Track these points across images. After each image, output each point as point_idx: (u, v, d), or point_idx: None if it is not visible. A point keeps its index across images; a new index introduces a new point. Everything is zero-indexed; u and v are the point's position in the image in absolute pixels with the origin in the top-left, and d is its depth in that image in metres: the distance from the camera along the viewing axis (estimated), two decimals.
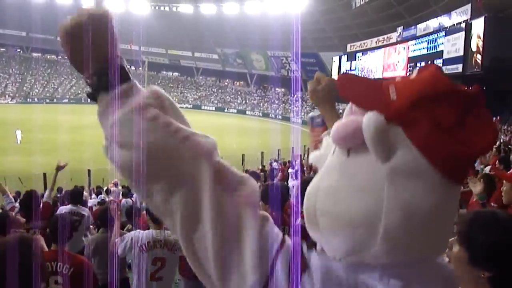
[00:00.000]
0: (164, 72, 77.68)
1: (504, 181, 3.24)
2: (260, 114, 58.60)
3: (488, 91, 27.59)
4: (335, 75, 47.52)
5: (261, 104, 62.30)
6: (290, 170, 11.69)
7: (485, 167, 7.67)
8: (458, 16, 28.35)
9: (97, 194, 13.31)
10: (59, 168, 6.32)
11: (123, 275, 4.72)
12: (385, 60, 38.30)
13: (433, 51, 30.66)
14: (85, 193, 12.11)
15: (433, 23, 31.88)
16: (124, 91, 0.74)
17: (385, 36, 39.19)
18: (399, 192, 0.64)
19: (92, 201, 11.35)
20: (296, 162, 12.13)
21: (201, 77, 74.71)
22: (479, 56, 25.33)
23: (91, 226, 6.49)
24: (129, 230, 5.40)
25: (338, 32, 47.32)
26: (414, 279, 0.67)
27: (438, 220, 0.67)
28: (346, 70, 44.53)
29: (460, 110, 0.66)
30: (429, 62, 32.27)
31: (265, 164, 18.32)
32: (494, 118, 18.12)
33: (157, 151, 0.71)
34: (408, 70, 33.80)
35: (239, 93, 68.23)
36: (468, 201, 4.77)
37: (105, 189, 13.57)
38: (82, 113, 43.11)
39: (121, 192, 11.51)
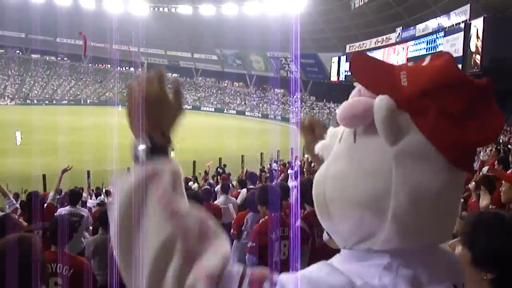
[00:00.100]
0: None
1: (503, 181, 3.24)
2: (260, 115, 58.55)
3: None
4: (334, 76, 47.60)
5: (261, 105, 62.29)
6: (289, 171, 11.68)
7: (483, 167, 7.68)
8: (457, 17, 28.37)
9: (97, 196, 13.31)
10: (64, 170, 6.57)
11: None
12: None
13: (432, 51, 30.60)
14: (84, 194, 12.14)
15: (432, 24, 31.90)
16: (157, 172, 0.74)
17: (384, 37, 39.21)
18: (407, 174, 0.65)
19: (92, 202, 11.36)
20: (296, 163, 12.13)
21: (200, 78, 74.71)
22: (478, 57, 25.35)
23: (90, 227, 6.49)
24: None
25: (337, 32, 47.32)
26: (422, 267, 0.68)
27: (445, 204, 0.68)
28: (345, 71, 44.60)
29: (469, 99, 0.66)
30: None
31: (265, 165, 18.33)
32: None
33: (158, 249, 0.68)
34: None
35: (238, 94, 68.23)
36: (468, 202, 4.78)
37: (104, 190, 13.58)
38: (81, 114, 43.23)
39: None
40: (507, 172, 5.08)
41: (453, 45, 27.86)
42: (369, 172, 0.68)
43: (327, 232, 0.79)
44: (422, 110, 0.65)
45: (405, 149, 0.65)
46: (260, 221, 4.20)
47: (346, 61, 44.69)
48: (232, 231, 5.24)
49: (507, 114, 24.88)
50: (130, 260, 0.70)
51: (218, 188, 9.35)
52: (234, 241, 5.25)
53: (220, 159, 18.78)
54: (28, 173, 15.71)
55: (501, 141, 15.31)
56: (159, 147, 0.76)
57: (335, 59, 47.34)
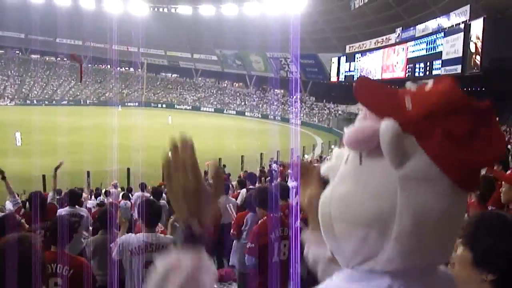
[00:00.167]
0: (163, 74, 77.65)
1: (503, 182, 3.24)
2: (259, 115, 58.52)
3: (487, 91, 27.59)
4: (334, 76, 47.60)
5: (260, 105, 62.28)
6: (289, 171, 11.67)
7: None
8: (457, 17, 28.35)
9: (96, 196, 13.30)
10: (56, 168, 6.70)
11: (122, 276, 4.72)
12: (384, 61, 38.30)
13: (432, 52, 30.64)
14: (84, 194, 12.12)
15: (432, 24, 31.88)
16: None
17: (384, 37, 39.18)
18: (412, 196, 0.67)
19: (91, 202, 11.35)
20: (295, 164, 12.11)
21: (200, 78, 74.69)
22: (478, 57, 25.32)
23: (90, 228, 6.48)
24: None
25: (337, 33, 47.31)
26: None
27: (448, 225, 0.70)
28: (345, 71, 44.62)
29: (472, 122, 0.68)
30: (428, 63, 32.15)
31: (264, 165, 18.33)
32: None
33: None
34: (407, 71, 33.81)
35: (238, 94, 68.22)
36: (467, 202, 4.76)
37: (104, 190, 13.57)
38: (81, 114, 43.22)
39: (120, 194, 11.50)
40: (507, 172, 5.08)
41: (453, 46, 27.86)
42: (374, 194, 0.70)
43: (330, 251, 0.81)
44: (428, 132, 0.67)
45: (411, 171, 0.67)
46: (259, 222, 4.21)
47: (346, 62, 44.74)
48: (232, 231, 5.25)
49: (507, 114, 24.89)
50: None
51: None
52: (234, 241, 5.26)
53: (220, 159, 18.78)
54: (28, 174, 15.72)
55: None
56: (196, 236, 0.80)
57: (335, 60, 47.28)
